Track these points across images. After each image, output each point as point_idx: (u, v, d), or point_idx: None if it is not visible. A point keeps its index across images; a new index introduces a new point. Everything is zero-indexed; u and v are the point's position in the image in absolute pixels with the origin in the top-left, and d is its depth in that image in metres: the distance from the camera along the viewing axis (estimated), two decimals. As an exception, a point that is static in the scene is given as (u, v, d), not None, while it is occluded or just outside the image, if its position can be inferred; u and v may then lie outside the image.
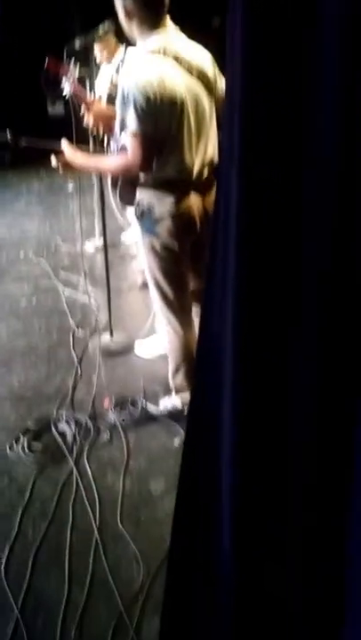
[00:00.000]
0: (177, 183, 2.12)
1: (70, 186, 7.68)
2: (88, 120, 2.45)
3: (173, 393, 2.59)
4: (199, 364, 1.31)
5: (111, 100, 4.40)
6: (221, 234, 1.16)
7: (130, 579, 1.83)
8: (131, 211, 3.46)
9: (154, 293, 2.39)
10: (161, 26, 1.98)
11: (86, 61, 4.34)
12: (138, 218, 2.24)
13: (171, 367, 2.53)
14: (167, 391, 2.78)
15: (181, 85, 1.98)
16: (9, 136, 2.31)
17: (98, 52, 4.30)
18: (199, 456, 1.34)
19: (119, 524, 2.05)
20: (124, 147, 2.05)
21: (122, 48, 4.17)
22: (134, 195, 2.25)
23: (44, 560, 1.91)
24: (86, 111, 2.45)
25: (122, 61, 4.14)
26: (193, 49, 2.07)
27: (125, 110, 1.96)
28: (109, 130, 2.69)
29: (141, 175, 2.13)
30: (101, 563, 1.89)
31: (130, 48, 2.71)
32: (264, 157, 0.98)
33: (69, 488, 2.23)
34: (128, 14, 1.96)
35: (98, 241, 5.09)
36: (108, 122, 2.39)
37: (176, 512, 1.38)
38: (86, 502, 2.15)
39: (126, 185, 2.26)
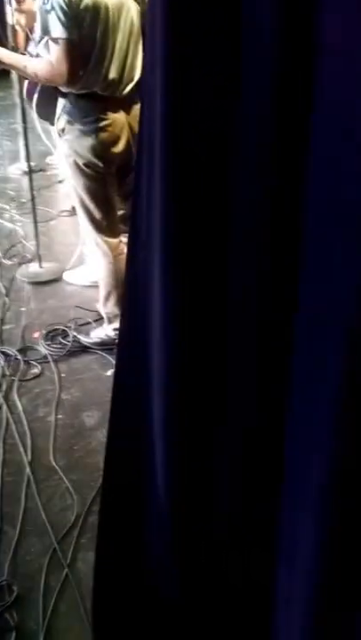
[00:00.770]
0: (101, 98, 1.99)
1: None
2: (20, 21, 2.25)
3: (105, 322, 2.50)
4: (128, 292, 1.22)
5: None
6: (146, 155, 1.04)
7: (63, 512, 1.80)
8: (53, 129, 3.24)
9: (81, 215, 2.25)
10: None
11: None
12: (59, 134, 2.07)
13: (101, 294, 2.43)
14: (99, 321, 2.69)
15: None
16: None
17: None
18: (130, 386, 1.27)
19: (52, 457, 1.99)
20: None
21: None
22: (54, 109, 2.08)
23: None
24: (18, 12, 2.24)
25: None
26: None
27: (47, 15, 1.80)
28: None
29: (63, 88, 1.95)
30: (34, 498, 1.84)
31: None
32: (193, 70, 0.86)
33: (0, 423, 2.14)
34: None
35: (23, 164, 4.78)
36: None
37: (108, 444, 1.32)
38: (17, 437, 2.07)
39: (45, 96, 2.07)
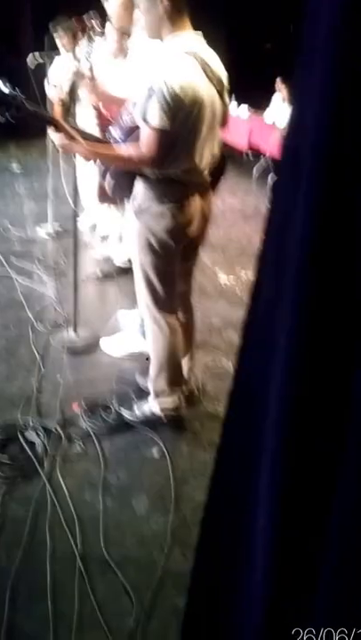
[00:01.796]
0: (182, 182, 2.03)
1: (14, 165, 7.29)
2: (91, 100, 2.31)
3: (152, 397, 2.41)
4: (236, 394, 1.15)
5: (73, 89, 4.17)
6: (274, 251, 1.00)
7: (121, 614, 1.66)
8: (87, 195, 3.27)
9: (143, 290, 2.24)
10: (188, 28, 1.97)
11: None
12: (135, 212, 2.09)
13: (153, 369, 2.36)
14: (140, 394, 2.61)
15: (204, 89, 1.94)
16: (9, 91, 2.02)
17: (61, 40, 4.10)
18: (234, 482, 1.18)
19: (103, 549, 1.86)
20: (134, 137, 1.98)
21: (85, 40, 3.95)
22: (128, 188, 2.11)
23: (23, 594, 1.70)
24: (90, 91, 2.28)
25: (87, 53, 3.92)
26: (215, 57, 2.04)
27: (147, 103, 1.87)
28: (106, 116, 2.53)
29: (146, 170, 2.02)
30: (88, 596, 1.70)
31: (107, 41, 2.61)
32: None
33: (44, 507, 2.01)
34: (165, 9, 1.91)
35: (50, 226, 4.81)
36: (109, 104, 2.46)
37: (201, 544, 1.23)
38: (64, 524, 1.94)
39: (124, 177, 2.10)
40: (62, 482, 2.12)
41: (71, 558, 1.83)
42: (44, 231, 4.78)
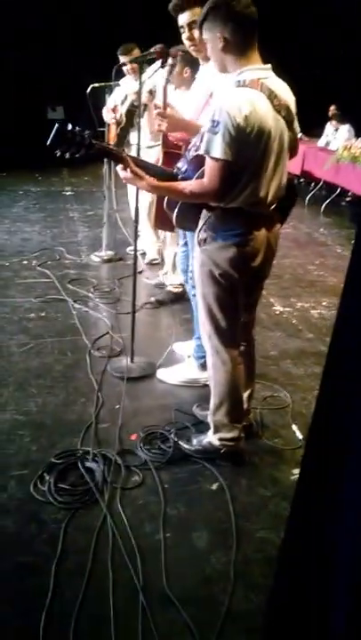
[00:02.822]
0: (247, 214, 2.03)
1: (68, 192, 7.50)
2: (161, 127, 2.41)
3: (212, 430, 2.41)
4: (318, 425, 1.14)
5: (130, 115, 4.30)
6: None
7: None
8: (139, 222, 3.31)
9: (206, 322, 2.24)
10: (255, 61, 1.98)
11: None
12: (200, 244, 2.10)
13: (213, 402, 2.36)
14: (198, 425, 2.61)
15: (270, 120, 1.93)
16: (81, 132, 2.09)
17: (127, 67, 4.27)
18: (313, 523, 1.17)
19: (165, 584, 1.85)
20: (200, 170, 2.01)
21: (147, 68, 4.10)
22: (194, 219, 2.13)
23: (86, 629, 1.70)
24: (160, 118, 2.42)
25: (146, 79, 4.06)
26: (284, 88, 2.03)
27: (212, 135, 1.89)
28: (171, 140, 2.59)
29: (211, 203, 2.03)
30: (151, 633, 1.69)
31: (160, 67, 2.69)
32: None
33: (105, 538, 2.02)
34: (226, 44, 1.95)
35: (104, 252, 4.91)
36: (179, 129, 2.50)
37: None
38: (126, 557, 1.94)
39: (187, 207, 2.13)
40: (122, 512, 2.13)
41: (133, 590, 1.82)
42: (98, 258, 4.88)
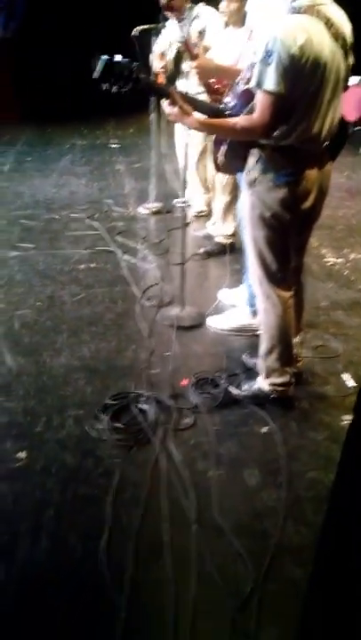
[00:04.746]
0: (299, 152, 1.97)
1: (114, 144, 7.46)
2: (193, 71, 2.33)
3: (262, 375, 2.44)
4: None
5: (178, 57, 4.21)
6: None
7: (238, 579, 1.71)
8: (188, 172, 3.29)
9: (256, 266, 2.24)
10: None
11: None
12: (250, 184, 2.08)
13: (263, 347, 2.38)
14: (247, 372, 2.64)
15: (327, 51, 1.83)
16: (128, 64, 2.06)
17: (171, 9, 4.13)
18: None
19: (217, 516, 1.92)
20: (250, 104, 1.94)
21: (190, 6, 3.96)
22: (242, 160, 2.09)
23: (143, 554, 1.79)
24: (194, 63, 2.37)
25: (191, 19, 3.94)
26: (341, 15, 1.91)
27: (265, 66, 1.81)
28: (212, 85, 2.54)
29: (262, 140, 1.96)
30: (205, 559, 1.77)
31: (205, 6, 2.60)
32: None
33: (158, 474, 2.10)
34: None
35: (152, 204, 4.90)
36: (212, 76, 2.41)
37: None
38: (179, 491, 2.02)
39: (235, 148, 2.09)
40: (175, 451, 2.20)
41: (187, 521, 1.90)
42: (145, 210, 4.89)
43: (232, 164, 2.17)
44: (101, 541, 1.82)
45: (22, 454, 2.19)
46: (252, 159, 2.06)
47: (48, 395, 2.53)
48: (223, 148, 2.10)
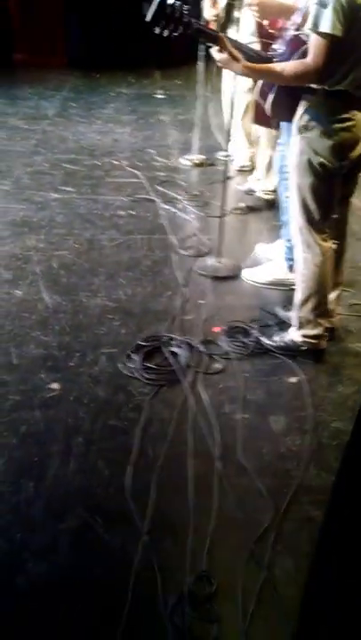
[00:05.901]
0: (351, 98, 1.95)
1: (160, 95, 7.36)
2: (253, 10, 2.28)
3: (295, 326, 2.45)
4: None
5: (230, 5, 4.09)
6: None
7: (257, 514, 1.77)
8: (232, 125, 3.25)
9: (298, 214, 2.23)
10: None
11: None
12: (300, 131, 2.06)
13: (299, 297, 2.38)
14: (279, 323, 2.66)
15: None
16: (180, 7, 2.03)
17: None
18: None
19: (241, 455, 1.98)
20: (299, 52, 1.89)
21: None
22: (291, 108, 2.07)
23: (167, 484, 1.86)
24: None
25: None
26: None
27: (321, 8, 1.79)
28: (266, 29, 2.48)
29: (314, 85, 1.93)
30: (226, 494, 1.83)
31: None
32: None
33: (186, 413, 2.16)
34: None
35: (194, 156, 4.85)
36: (271, 14, 2.38)
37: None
38: (205, 429, 2.08)
39: (283, 95, 2.06)
40: (203, 393, 2.25)
41: (210, 460, 1.96)
42: (188, 161, 4.84)
43: (279, 113, 2.16)
44: (127, 470, 1.89)
45: (56, 385, 2.27)
46: (303, 105, 2.04)
47: (83, 332, 2.59)
48: (271, 97, 2.08)
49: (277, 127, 2.68)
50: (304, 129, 2.04)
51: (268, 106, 2.12)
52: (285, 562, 1.62)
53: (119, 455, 1.95)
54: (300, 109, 2.04)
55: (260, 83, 2.18)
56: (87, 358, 2.42)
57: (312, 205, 2.15)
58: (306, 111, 2.03)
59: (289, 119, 2.14)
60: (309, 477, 1.89)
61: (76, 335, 2.57)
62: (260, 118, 2.61)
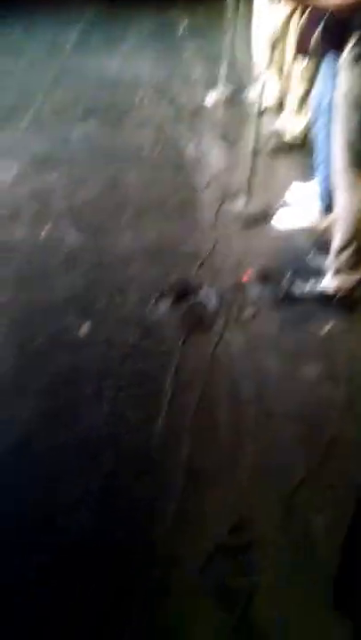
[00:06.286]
0: None
1: (182, 27, 6.99)
2: None
3: (330, 273, 2.36)
4: None
5: None
6: None
7: (292, 465, 1.74)
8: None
9: (341, 154, 2.09)
10: None
11: None
12: (351, 64, 1.91)
13: (337, 243, 2.27)
14: (311, 270, 2.56)
15: None
16: None
17: None
18: None
19: (274, 403, 1.94)
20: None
21: None
22: (343, 39, 1.91)
23: (199, 432, 1.83)
24: None
25: None
26: None
27: None
28: None
29: None
30: (260, 443, 1.80)
31: None
32: None
33: (217, 360, 2.11)
34: None
35: (220, 92, 4.62)
36: None
37: None
38: (237, 377, 2.03)
39: (330, 28, 1.90)
40: (234, 340, 2.19)
41: (244, 407, 1.92)
42: (214, 96, 4.61)
43: (328, 44, 2.00)
44: (159, 417, 1.86)
45: (84, 328, 2.22)
46: (356, 36, 1.88)
47: (110, 274, 2.53)
48: (320, 25, 1.92)
49: (322, 57, 2.50)
50: (355, 62, 1.89)
51: (314, 38, 1.97)
52: (321, 514, 1.60)
53: (149, 401, 1.92)
54: (353, 40, 1.88)
55: (307, 10, 2.01)
56: (115, 301, 2.37)
57: (359, 145, 2.02)
58: (359, 42, 1.87)
59: (338, 50, 1.98)
60: (344, 428, 1.85)
61: (102, 277, 2.50)
62: (303, 47, 2.44)
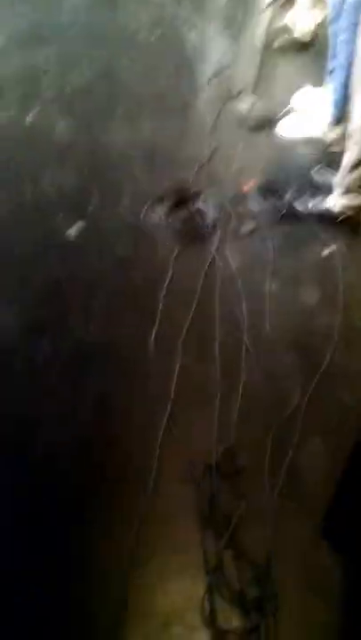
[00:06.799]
0: None
1: None
2: None
3: (337, 192, 2.23)
4: None
5: None
6: None
7: (285, 391, 1.72)
8: None
9: None
10: None
11: None
12: None
13: (348, 159, 2.12)
14: (315, 187, 2.42)
15: None
16: None
17: None
18: None
19: (269, 327, 1.89)
20: None
21: None
22: None
23: (192, 350, 1.78)
24: None
25: None
26: None
27: None
28: None
29: None
30: (253, 367, 1.77)
31: None
32: None
33: (212, 276, 2.03)
34: None
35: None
36: None
37: None
38: (232, 297, 1.96)
39: None
40: (231, 256, 2.10)
41: (238, 329, 1.87)
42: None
43: None
44: (152, 331, 1.80)
45: (73, 230, 2.08)
46: None
47: (102, 174, 2.35)
48: None
49: None
50: None
51: None
52: (312, 442, 1.60)
53: (142, 315, 1.85)
54: None
55: None
56: (106, 205, 2.22)
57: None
58: None
59: None
60: (339, 358, 1.83)
61: (93, 177, 2.33)
62: None
